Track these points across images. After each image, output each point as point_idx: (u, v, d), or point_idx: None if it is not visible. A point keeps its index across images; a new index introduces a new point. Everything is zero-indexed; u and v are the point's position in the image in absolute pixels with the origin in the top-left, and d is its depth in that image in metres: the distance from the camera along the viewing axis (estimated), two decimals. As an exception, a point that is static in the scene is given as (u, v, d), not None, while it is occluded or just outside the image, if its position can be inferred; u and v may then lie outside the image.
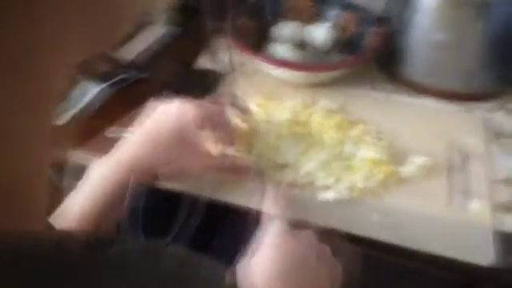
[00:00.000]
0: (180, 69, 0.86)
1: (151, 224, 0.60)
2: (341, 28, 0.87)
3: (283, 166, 0.64)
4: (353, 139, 0.67)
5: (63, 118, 0.72)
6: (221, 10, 0.88)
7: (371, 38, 0.80)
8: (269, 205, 0.52)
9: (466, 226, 0.58)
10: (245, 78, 0.82)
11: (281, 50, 0.82)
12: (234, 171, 0.63)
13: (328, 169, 0.63)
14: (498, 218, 0.59)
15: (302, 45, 0.87)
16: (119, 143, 0.59)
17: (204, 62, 0.86)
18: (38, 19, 0.20)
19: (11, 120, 0.21)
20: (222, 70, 0.83)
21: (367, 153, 0.64)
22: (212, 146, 0.65)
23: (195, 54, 0.88)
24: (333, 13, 0.88)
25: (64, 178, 0.54)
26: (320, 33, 0.86)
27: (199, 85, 0.74)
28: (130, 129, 0.59)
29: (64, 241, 0.24)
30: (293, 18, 0.88)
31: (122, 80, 0.79)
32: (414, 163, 0.64)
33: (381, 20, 0.82)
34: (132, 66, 0.83)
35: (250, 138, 0.67)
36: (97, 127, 0.70)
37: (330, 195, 0.61)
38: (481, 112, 0.76)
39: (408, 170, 0.63)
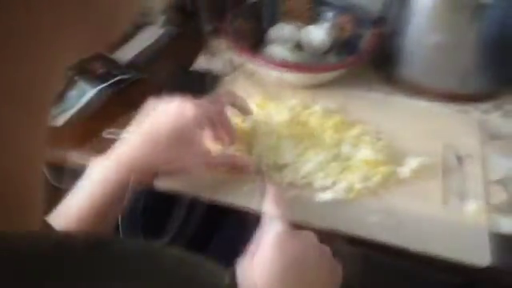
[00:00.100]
0: (178, 70, 0.86)
1: (150, 224, 0.60)
2: (338, 29, 0.87)
3: (282, 167, 0.64)
4: (351, 140, 0.67)
5: (61, 120, 0.72)
6: (219, 12, 0.88)
7: (368, 39, 0.80)
8: (269, 205, 0.52)
9: (462, 227, 0.58)
10: (243, 79, 0.82)
11: (278, 51, 0.82)
12: (234, 169, 0.63)
13: (326, 169, 0.63)
14: (494, 219, 0.60)
15: (299, 46, 0.87)
16: (118, 143, 0.59)
17: (202, 63, 0.86)
18: (34, 18, 0.20)
19: (5, 120, 0.21)
20: (220, 72, 0.83)
21: (365, 154, 0.64)
22: (212, 144, 0.65)
23: (193, 55, 0.88)
24: (330, 14, 0.88)
25: (63, 178, 0.54)
26: (317, 34, 0.86)
27: (197, 86, 0.74)
28: (128, 129, 0.59)
29: (63, 241, 0.24)
30: (290, 20, 0.89)
31: (120, 81, 0.79)
32: (411, 164, 0.64)
33: (378, 21, 0.82)
34: (130, 66, 0.83)
35: (249, 138, 0.67)
36: (95, 128, 0.70)
37: (328, 196, 0.61)
38: (477, 113, 0.76)
39: (405, 170, 0.64)
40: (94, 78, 0.79)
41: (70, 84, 0.78)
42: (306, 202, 0.61)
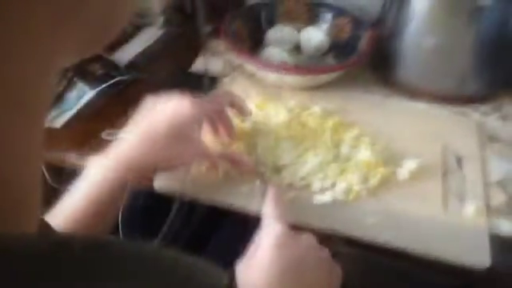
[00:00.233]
0: (177, 71, 0.86)
1: (149, 224, 0.60)
2: (335, 32, 0.87)
3: (281, 168, 0.64)
4: (349, 141, 0.67)
5: (60, 121, 0.72)
6: (217, 13, 0.88)
7: (366, 41, 0.80)
8: (268, 206, 0.53)
9: (462, 229, 0.58)
10: (241, 80, 0.82)
11: (277, 53, 0.82)
12: (232, 164, 0.63)
13: (325, 171, 0.63)
14: (493, 221, 0.60)
15: (298, 48, 0.88)
16: (116, 143, 0.58)
17: (201, 65, 0.86)
18: (28, 17, 0.20)
19: (1, 120, 0.21)
20: (218, 73, 0.84)
21: (364, 155, 0.64)
22: (212, 143, 0.65)
23: (192, 56, 0.88)
24: (328, 16, 0.88)
25: (62, 179, 0.54)
26: (316, 36, 0.86)
27: (196, 87, 0.74)
28: (126, 128, 0.59)
29: (59, 242, 0.24)
30: (289, 22, 0.89)
31: (119, 82, 0.79)
32: (410, 166, 0.64)
33: (376, 23, 0.83)
34: (129, 68, 0.83)
35: (248, 138, 0.68)
36: (94, 129, 0.70)
37: (327, 197, 0.61)
38: (475, 115, 0.76)
39: (404, 172, 0.64)
40: (93, 79, 0.79)
41: (69, 85, 0.78)
42: (305, 203, 0.61)
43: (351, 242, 0.58)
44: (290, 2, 0.90)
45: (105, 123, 0.70)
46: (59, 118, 0.73)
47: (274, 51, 0.83)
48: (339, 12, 0.87)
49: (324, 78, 0.78)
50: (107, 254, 0.24)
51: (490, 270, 0.54)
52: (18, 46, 0.20)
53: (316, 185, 0.62)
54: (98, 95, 0.76)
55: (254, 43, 0.87)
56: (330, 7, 0.88)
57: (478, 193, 0.62)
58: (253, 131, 0.69)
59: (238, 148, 0.66)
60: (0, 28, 0.19)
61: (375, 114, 0.74)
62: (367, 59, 0.80)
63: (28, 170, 0.24)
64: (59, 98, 0.75)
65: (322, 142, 0.66)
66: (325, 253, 0.50)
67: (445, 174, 0.65)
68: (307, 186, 0.63)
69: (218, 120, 0.66)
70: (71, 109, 0.74)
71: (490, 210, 0.61)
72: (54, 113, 0.73)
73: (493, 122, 0.75)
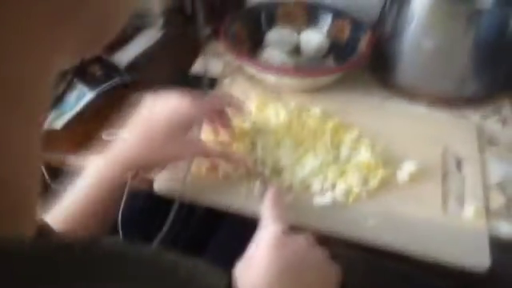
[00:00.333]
0: (175, 73, 0.86)
1: (148, 225, 0.60)
2: (335, 33, 0.87)
3: (280, 170, 0.64)
4: (349, 143, 0.67)
5: (60, 122, 0.72)
6: (217, 15, 0.88)
7: (365, 43, 0.81)
8: (266, 207, 0.53)
9: (461, 231, 0.58)
10: (241, 82, 0.82)
11: (276, 54, 0.83)
12: (231, 162, 0.63)
13: (325, 173, 0.63)
14: (493, 223, 0.60)
15: (296, 50, 0.88)
16: (115, 142, 0.58)
17: (200, 66, 0.86)
18: (27, 17, 0.20)
19: None
20: (218, 74, 0.84)
21: (363, 157, 0.64)
22: (211, 140, 0.66)
23: (192, 57, 0.88)
24: (328, 18, 0.88)
25: (61, 180, 0.54)
26: (314, 38, 0.86)
27: (195, 89, 0.74)
28: (125, 127, 0.59)
29: (60, 244, 0.24)
30: (288, 24, 0.89)
31: (119, 84, 0.79)
32: (409, 168, 0.64)
33: (374, 26, 0.83)
34: (129, 69, 0.83)
35: (249, 138, 0.68)
36: (93, 131, 0.69)
37: (326, 199, 0.61)
38: (475, 118, 0.77)
39: (404, 174, 0.64)
40: (93, 81, 0.78)
41: (68, 87, 0.78)
42: (305, 205, 0.61)
43: (351, 244, 0.58)
44: (290, 3, 0.90)
45: (104, 125, 0.70)
46: (59, 120, 0.73)
47: (274, 53, 0.83)
48: (339, 14, 0.87)
49: (323, 79, 0.79)
50: (107, 257, 0.24)
51: (489, 272, 0.54)
52: (15, 46, 0.20)
53: (316, 186, 0.63)
54: (97, 97, 0.76)
55: (253, 45, 0.87)
56: (329, 9, 0.89)
57: (478, 195, 0.62)
58: (253, 131, 0.69)
59: (238, 148, 0.66)
60: None
61: (375, 115, 0.74)
62: (367, 61, 0.80)
63: (26, 171, 0.24)
64: (59, 100, 0.75)
65: (321, 144, 0.66)
66: (323, 253, 0.50)
67: (444, 176, 0.65)
68: (307, 188, 0.63)
69: (217, 119, 0.66)
70: (71, 110, 0.74)
71: (489, 212, 0.61)
72: (53, 114, 0.73)
73: (492, 124, 0.75)
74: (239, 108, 0.67)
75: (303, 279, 0.48)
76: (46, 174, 0.63)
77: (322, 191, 0.62)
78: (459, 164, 0.67)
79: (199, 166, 0.64)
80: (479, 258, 0.56)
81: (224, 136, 0.67)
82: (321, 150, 0.66)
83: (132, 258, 0.26)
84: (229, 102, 0.66)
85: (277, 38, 0.87)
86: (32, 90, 0.22)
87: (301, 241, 0.50)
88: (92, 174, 0.55)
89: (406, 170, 0.64)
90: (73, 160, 0.55)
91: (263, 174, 0.64)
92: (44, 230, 0.44)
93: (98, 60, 0.83)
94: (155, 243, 0.61)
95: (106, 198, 0.55)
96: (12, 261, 0.20)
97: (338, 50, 0.87)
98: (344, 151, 0.66)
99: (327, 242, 0.51)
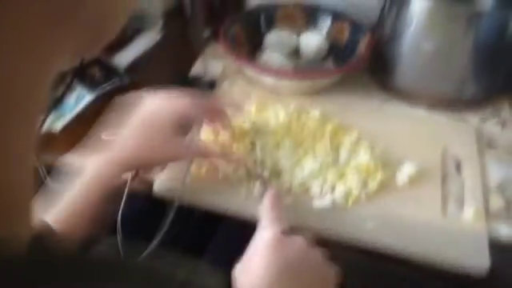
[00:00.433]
0: (175, 75, 0.86)
1: (147, 226, 0.60)
2: (334, 36, 0.88)
3: (280, 173, 0.64)
4: (348, 146, 0.67)
5: (59, 124, 0.72)
6: (217, 17, 0.89)
7: (364, 46, 0.81)
8: (265, 209, 0.53)
9: (461, 234, 0.58)
10: (240, 84, 0.82)
11: (275, 57, 0.83)
12: (228, 160, 0.64)
13: (324, 175, 0.63)
14: (492, 226, 0.60)
15: (296, 52, 0.88)
16: (114, 142, 0.58)
17: (199, 69, 0.86)
18: (23, 17, 0.20)
19: None
20: (217, 77, 0.84)
21: (363, 160, 0.64)
22: (211, 140, 0.66)
23: (191, 60, 0.88)
24: (327, 20, 0.89)
25: (60, 179, 0.54)
26: (314, 40, 0.87)
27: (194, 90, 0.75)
28: (123, 127, 0.59)
29: (58, 247, 0.24)
30: (287, 26, 0.89)
31: (118, 86, 0.79)
32: (409, 170, 0.64)
33: (374, 28, 0.83)
34: (128, 71, 0.83)
35: (249, 138, 0.67)
36: (92, 133, 0.69)
37: (325, 202, 0.61)
38: (474, 120, 0.77)
39: (403, 177, 0.64)
40: (93, 83, 0.79)
41: (68, 89, 0.77)
42: (304, 207, 0.61)
43: (350, 247, 0.58)
44: (289, 6, 0.90)
45: (104, 126, 0.70)
46: (58, 122, 0.73)
47: (273, 55, 0.83)
48: (338, 16, 0.88)
49: (323, 82, 0.79)
50: (104, 260, 0.24)
51: (489, 274, 0.54)
52: (14, 46, 0.20)
53: (315, 189, 0.63)
54: (97, 98, 0.76)
55: (252, 47, 0.87)
56: (328, 11, 0.89)
57: (477, 197, 0.62)
58: (252, 132, 0.69)
59: (237, 148, 0.66)
60: None
61: (374, 118, 0.74)
62: (366, 63, 0.80)
63: (21, 172, 0.23)
64: (58, 102, 0.75)
65: (321, 146, 0.66)
66: (320, 253, 0.50)
67: (444, 178, 0.65)
68: (306, 190, 0.63)
69: (216, 119, 0.66)
70: (70, 112, 0.74)
71: (488, 214, 0.61)
72: (53, 116, 0.73)
73: (491, 127, 0.75)
74: (238, 108, 0.67)
75: (302, 280, 0.48)
76: (46, 175, 0.63)
77: (322, 194, 0.62)
78: (458, 166, 0.67)
79: (199, 168, 0.64)
80: (479, 260, 0.56)
81: (224, 136, 0.67)
82: (320, 153, 0.66)
83: (130, 260, 0.26)
84: (227, 102, 0.67)
85: (276, 41, 0.87)
86: (30, 91, 0.22)
87: (300, 241, 0.50)
88: (91, 173, 0.54)
89: (406, 172, 0.64)
90: (71, 159, 0.55)
91: (263, 175, 0.64)
92: (43, 233, 0.44)
93: (97, 62, 0.83)
94: (154, 244, 0.61)
95: (104, 198, 0.55)
96: (10, 264, 0.20)
97: (337, 52, 0.87)
98: (343, 153, 0.66)
99: (326, 244, 0.51)
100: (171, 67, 0.90)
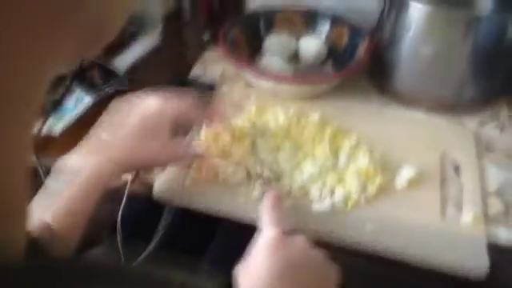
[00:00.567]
0: (174, 78, 0.86)
1: (147, 228, 0.60)
2: (333, 40, 0.88)
3: (279, 177, 0.64)
4: (347, 150, 0.67)
5: (59, 128, 0.72)
6: (216, 21, 0.89)
7: (363, 50, 0.81)
8: (264, 211, 0.53)
9: (459, 238, 0.58)
10: (239, 88, 0.82)
11: (275, 61, 0.83)
12: (224, 159, 0.64)
13: (322, 180, 0.63)
14: (491, 230, 0.60)
15: (295, 56, 0.88)
16: (113, 141, 0.58)
17: (199, 72, 0.86)
18: (27, 18, 0.20)
19: None
20: (216, 81, 0.84)
21: (362, 163, 0.65)
22: (211, 140, 0.66)
23: (190, 63, 0.88)
24: (326, 25, 0.89)
25: (58, 179, 0.54)
26: (313, 45, 0.87)
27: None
28: (122, 127, 0.59)
29: (53, 256, 0.24)
30: (286, 30, 0.89)
31: (117, 89, 0.79)
32: (408, 174, 0.64)
33: (373, 32, 0.83)
34: (127, 75, 0.83)
35: (249, 138, 0.68)
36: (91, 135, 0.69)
37: (324, 206, 0.61)
38: (472, 124, 0.77)
39: (402, 181, 0.64)
40: (92, 86, 0.79)
41: (67, 92, 0.78)
42: (303, 211, 0.61)
43: (350, 250, 0.58)
44: (288, 10, 0.90)
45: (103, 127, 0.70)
46: (58, 124, 0.73)
47: (272, 59, 0.83)
48: (337, 20, 0.88)
49: (322, 86, 0.79)
50: (101, 267, 0.24)
51: (487, 278, 0.55)
52: (8, 45, 0.20)
53: (314, 192, 0.63)
54: (96, 101, 0.76)
55: (252, 51, 0.88)
56: (327, 15, 0.89)
57: (476, 201, 0.62)
58: (253, 132, 0.69)
59: (238, 149, 0.66)
60: None
61: (373, 122, 0.75)
62: (365, 67, 0.81)
63: (14, 175, 0.23)
64: (58, 105, 0.75)
65: (320, 150, 0.66)
66: (320, 253, 0.50)
67: (443, 182, 0.65)
68: (306, 194, 0.63)
69: (215, 119, 0.66)
70: (70, 115, 0.74)
71: (487, 218, 0.61)
72: (52, 119, 0.73)
73: (490, 131, 0.76)
74: (237, 109, 0.67)
75: (304, 279, 0.48)
76: (45, 177, 0.63)
77: (321, 197, 0.62)
78: (457, 170, 0.67)
79: (198, 169, 0.64)
80: (477, 264, 0.56)
81: (224, 137, 0.67)
82: (319, 156, 0.66)
83: (127, 265, 0.26)
84: (227, 103, 0.66)
85: (275, 45, 0.87)
86: (25, 91, 0.22)
87: (301, 241, 0.50)
88: (91, 171, 0.54)
89: (405, 175, 0.64)
90: (71, 159, 0.55)
91: (263, 176, 0.64)
92: (40, 237, 0.44)
93: (96, 65, 0.83)
94: (152, 245, 0.61)
95: (103, 197, 0.54)
96: (7, 269, 0.20)
97: (336, 56, 0.87)
98: (342, 157, 0.66)
99: (326, 247, 0.51)
100: (170, 70, 0.90)
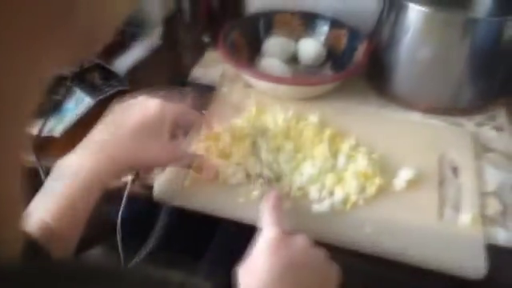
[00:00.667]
0: (174, 80, 0.86)
1: (146, 229, 0.60)
2: (332, 42, 0.88)
3: (278, 178, 0.65)
4: (346, 151, 0.67)
5: (59, 129, 0.72)
6: (215, 24, 0.89)
7: (361, 53, 0.81)
8: (265, 211, 0.53)
9: (458, 239, 0.59)
10: (238, 90, 0.83)
11: (274, 63, 0.83)
12: (197, 168, 0.64)
13: (322, 181, 0.64)
14: (489, 231, 0.60)
15: (294, 59, 0.88)
16: (112, 141, 0.58)
17: (199, 74, 0.87)
18: (6, 30, 0.19)
19: None
20: (216, 83, 0.84)
21: (360, 165, 0.65)
22: (208, 137, 0.66)
23: (190, 65, 0.89)
24: (324, 28, 0.89)
25: (58, 178, 0.54)
26: (312, 47, 0.87)
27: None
28: (122, 128, 0.59)
29: (50, 260, 0.24)
30: (285, 33, 0.90)
31: (117, 91, 0.79)
32: (406, 176, 0.64)
33: (371, 35, 0.84)
34: (127, 76, 0.84)
35: (248, 139, 0.68)
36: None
37: (324, 207, 0.61)
38: (470, 125, 0.77)
39: (400, 182, 0.64)
40: (92, 88, 0.79)
41: (67, 94, 0.78)
42: (302, 212, 0.61)
43: (348, 251, 0.59)
44: (288, 12, 0.91)
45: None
46: (59, 126, 0.73)
47: (272, 61, 0.84)
48: (336, 23, 0.88)
49: (320, 88, 0.79)
50: (97, 269, 0.24)
51: (485, 278, 0.55)
52: (8, 46, 0.19)
53: (314, 193, 0.63)
54: (96, 104, 0.76)
55: (251, 53, 0.88)
56: (326, 18, 0.89)
57: (474, 202, 0.63)
58: (254, 131, 0.69)
59: (238, 149, 0.66)
60: None
61: (371, 124, 0.75)
62: (363, 70, 0.81)
63: (8, 175, 0.23)
64: (58, 106, 0.76)
65: (319, 151, 0.67)
66: (321, 253, 0.50)
67: (441, 183, 0.66)
68: (305, 195, 0.63)
69: (214, 120, 0.66)
70: (70, 116, 0.74)
71: (485, 219, 0.61)
72: (53, 120, 0.73)
73: (487, 132, 0.76)
74: (237, 109, 0.67)
75: (305, 280, 0.48)
76: (45, 178, 0.63)
77: (320, 198, 0.62)
78: (455, 171, 0.67)
79: (198, 170, 0.65)
80: (475, 265, 0.56)
81: (224, 137, 0.67)
82: (319, 158, 0.66)
83: (125, 266, 0.26)
84: (226, 104, 0.66)
85: (275, 46, 0.88)
86: (20, 92, 0.22)
87: (301, 241, 0.50)
88: (90, 169, 0.53)
89: (403, 177, 0.65)
90: (70, 159, 0.55)
91: (263, 176, 0.64)
92: (38, 238, 0.44)
93: (97, 66, 0.83)
94: (150, 245, 0.61)
95: (102, 195, 0.54)
96: (3, 272, 0.20)
97: (335, 58, 0.88)
98: (341, 159, 0.67)
99: (325, 248, 0.52)
100: (170, 71, 0.90)
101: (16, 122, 0.22)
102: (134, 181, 0.64)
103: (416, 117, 0.79)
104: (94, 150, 0.55)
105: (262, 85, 0.78)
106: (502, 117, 0.79)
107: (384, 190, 0.64)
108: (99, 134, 0.57)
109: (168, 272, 0.28)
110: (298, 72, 0.86)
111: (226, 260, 0.49)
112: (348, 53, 0.85)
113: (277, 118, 0.73)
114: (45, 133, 0.71)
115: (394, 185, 0.64)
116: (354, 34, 0.85)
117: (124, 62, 0.87)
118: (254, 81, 0.79)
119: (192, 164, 0.63)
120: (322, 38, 0.89)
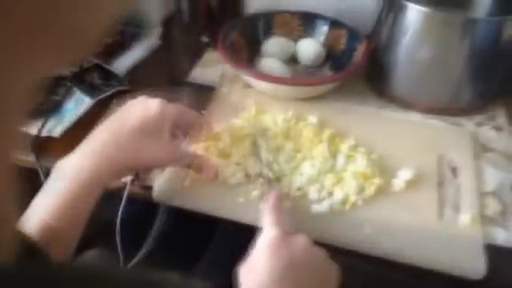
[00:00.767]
0: (173, 81, 0.86)
1: (145, 226, 0.60)
2: (331, 43, 0.88)
3: (277, 178, 0.65)
4: (345, 152, 0.67)
5: (59, 130, 0.72)
6: (214, 24, 0.89)
7: (360, 53, 0.81)
8: (265, 212, 0.53)
9: (457, 239, 0.59)
10: (237, 90, 0.83)
11: (273, 63, 0.83)
12: (197, 169, 0.64)
13: (321, 181, 0.64)
14: (488, 231, 0.60)
15: (293, 59, 0.88)
16: (110, 142, 0.58)
17: (198, 75, 0.87)
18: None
19: None
20: (215, 83, 0.84)
21: (359, 165, 0.65)
22: (208, 138, 0.66)
23: (189, 66, 0.89)
24: (324, 28, 0.89)
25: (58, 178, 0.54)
26: (311, 48, 0.87)
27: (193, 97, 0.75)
28: (121, 128, 0.59)
29: (45, 263, 0.23)
30: (285, 33, 0.90)
31: (117, 91, 0.79)
32: (406, 176, 0.64)
33: (370, 36, 0.84)
34: (127, 77, 0.84)
35: (248, 139, 0.68)
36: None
37: (323, 207, 0.61)
38: (469, 125, 0.77)
39: (399, 182, 0.64)
40: (92, 88, 0.79)
41: (67, 94, 0.78)
42: (302, 213, 0.61)
43: (348, 252, 0.59)
44: (287, 13, 0.91)
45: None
46: (58, 126, 0.73)
47: (271, 62, 0.84)
48: (335, 23, 0.88)
49: (320, 88, 0.79)
50: (94, 271, 0.24)
51: (485, 278, 0.55)
52: None
53: (313, 194, 0.63)
54: (96, 104, 0.76)
55: (251, 53, 0.88)
56: (326, 19, 0.89)
57: (473, 202, 0.63)
58: (254, 131, 0.69)
59: (238, 149, 0.66)
60: None
61: (371, 124, 0.75)
62: (362, 70, 0.81)
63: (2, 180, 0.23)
64: (58, 107, 0.76)
65: (318, 152, 0.67)
66: (322, 252, 0.50)
67: (440, 183, 0.66)
68: (304, 195, 0.63)
69: (214, 120, 0.66)
70: (70, 116, 0.74)
71: (484, 219, 0.61)
72: (52, 121, 0.73)
73: (487, 132, 0.76)
74: (237, 109, 0.67)
75: (305, 279, 0.48)
76: (45, 179, 0.63)
77: (319, 199, 0.62)
78: (454, 171, 0.67)
79: (197, 171, 0.65)
80: (475, 265, 0.56)
81: (224, 138, 0.67)
82: (318, 158, 0.66)
83: (121, 268, 0.26)
84: (226, 104, 0.66)
85: (274, 47, 0.88)
86: (7, 90, 0.21)
87: (302, 241, 0.50)
88: (90, 169, 0.53)
89: (402, 177, 0.65)
90: (70, 159, 0.55)
91: (263, 176, 0.64)
92: (33, 239, 0.44)
93: (96, 67, 0.83)
94: (147, 244, 0.61)
95: (102, 195, 0.55)
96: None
97: (334, 59, 0.88)
98: (340, 159, 0.67)
99: (324, 248, 0.52)
100: (170, 71, 0.90)
101: (5, 121, 0.22)
102: (133, 181, 0.64)
103: (415, 117, 0.79)
104: (94, 150, 0.55)
105: (261, 85, 0.78)
106: (501, 117, 0.79)
107: (383, 191, 0.64)
108: (99, 135, 0.57)
109: (167, 272, 0.28)
110: (298, 72, 0.86)
111: (226, 260, 0.49)
112: (347, 53, 0.85)
113: (276, 118, 0.73)
114: (44, 133, 0.71)
115: (394, 185, 0.64)
116: (354, 35, 0.85)
117: (123, 63, 0.87)
118: (253, 81, 0.79)
119: (192, 164, 0.63)
120: (322, 38, 0.89)
